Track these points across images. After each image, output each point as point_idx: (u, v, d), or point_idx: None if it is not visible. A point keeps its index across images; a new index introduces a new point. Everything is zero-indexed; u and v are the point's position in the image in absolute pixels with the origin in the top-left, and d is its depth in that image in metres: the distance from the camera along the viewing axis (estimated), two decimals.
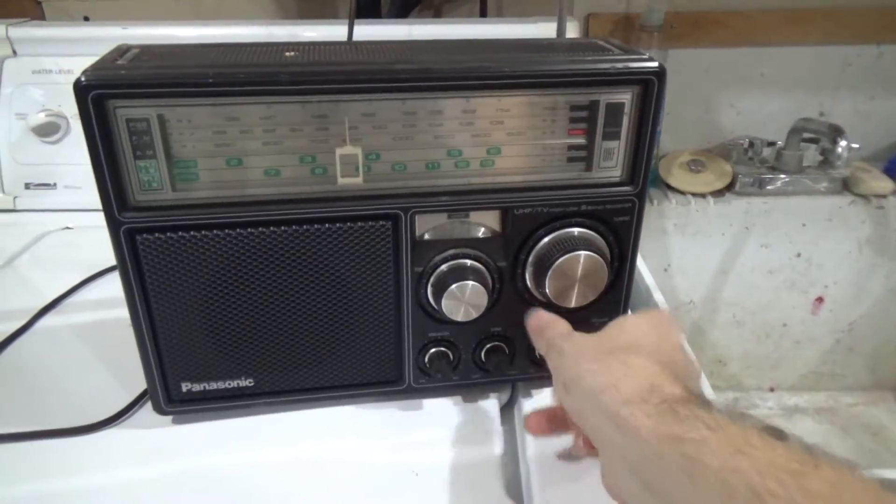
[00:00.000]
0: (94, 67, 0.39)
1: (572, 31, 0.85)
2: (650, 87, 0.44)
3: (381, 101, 0.42)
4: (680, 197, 1.07)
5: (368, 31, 0.80)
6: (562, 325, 0.44)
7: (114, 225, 0.42)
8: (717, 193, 1.07)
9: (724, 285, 1.15)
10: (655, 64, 0.44)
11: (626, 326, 0.40)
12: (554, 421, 0.46)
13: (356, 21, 0.73)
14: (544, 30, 0.84)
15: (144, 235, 0.43)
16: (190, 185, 0.43)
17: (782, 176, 1.06)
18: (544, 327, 0.44)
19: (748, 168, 1.08)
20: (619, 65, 0.43)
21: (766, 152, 1.09)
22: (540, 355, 0.52)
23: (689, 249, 1.10)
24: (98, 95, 0.38)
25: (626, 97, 0.45)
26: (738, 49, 1.07)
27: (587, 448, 0.43)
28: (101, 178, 0.40)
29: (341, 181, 0.44)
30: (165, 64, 0.41)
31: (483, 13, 0.99)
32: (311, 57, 0.43)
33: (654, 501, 0.31)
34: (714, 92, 1.11)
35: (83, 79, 0.38)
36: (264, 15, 1.04)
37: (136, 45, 0.45)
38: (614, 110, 0.45)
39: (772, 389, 1.24)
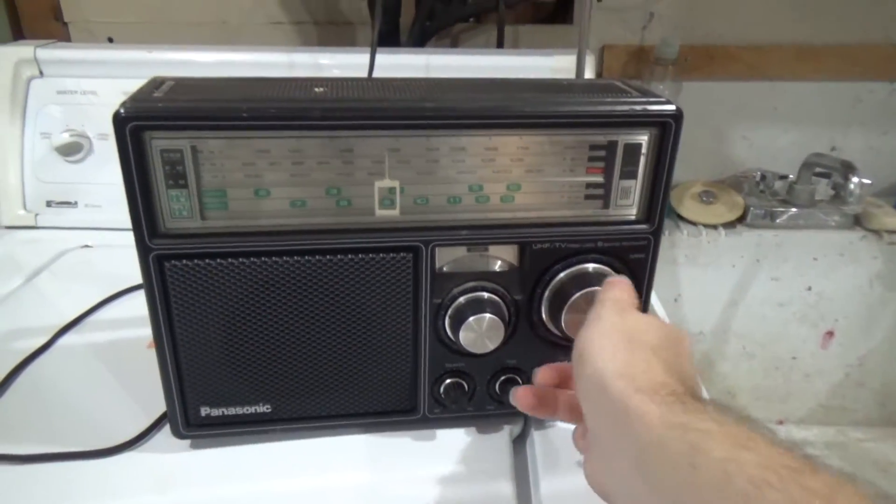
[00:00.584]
0: (133, 99, 0.40)
1: (587, 65, 0.86)
2: (668, 129, 0.45)
3: (406, 138, 0.44)
4: (691, 228, 1.08)
5: (388, 59, 0.82)
6: (625, 290, 0.43)
7: (144, 251, 0.43)
8: (729, 225, 1.08)
9: (734, 317, 1.15)
10: (673, 107, 0.45)
11: (653, 328, 0.40)
12: (542, 400, 0.46)
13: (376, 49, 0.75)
14: (561, 62, 0.86)
15: (173, 262, 0.44)
16: (218, 213, 0.44)
17: (793, 209, 1.07)
18: (611, 286, 0.43)
19: (760, 200, 1.09)
20: (638, 107, 0.44)
21: (778, 185, 1.10)
22: None
23: (699, 280, 1.11)
24: (136, 127, 0.39)
25: (643, 138, 0.46)
26: (752, 83, 1.09)
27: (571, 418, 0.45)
28: (134, 206, 0.41)
29: (379, 213, 0.45)
30: (200, 97, 0.42)
31: (500, 44, 1.01)
32: (339, 93, 0.45)
33: (647, 491, 0.32)
34: (727, 124, 1.12)
35: (122, 111, 0.39)
36: (285, 42, 1.06)
37: (171, 77, 0.46)
38: (632, 151, 0.46)
39: (781, 422, 1.24)
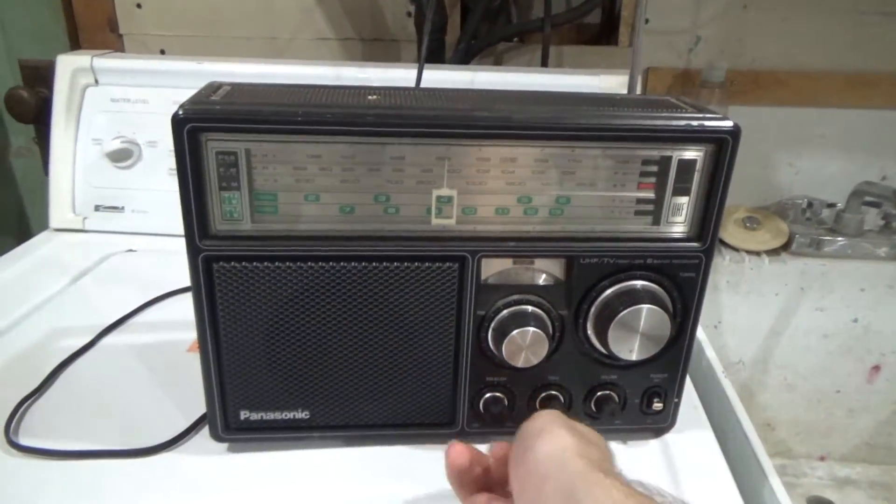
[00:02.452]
0: (191, 102, 0.41)
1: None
2: (724, 146, 0.44)
3: (458, 147, 0.43)
4: (734, 254, 1.06)
5: (434, 75, 0.82)
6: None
7: (193, 252, 0.43)
8: (773, 252, 1.06)
9: (776, 347, 1.12)
10: (731, 123, 0.44)
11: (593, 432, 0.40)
12: (470, 470, 0.42)
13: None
14: (606, 82, 0.85)
15: (221, 263, 0.44)
16: (268, 217, 0.44)
17: (840, 239, 1.04)
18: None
19: (805, 228, 1.06)
20: (695, 123, 0.44)
21: (825, 213, 1.07)
22: (594, 407, 0.52)
23: (740, 308, 1.09)
24: (193, 128, 0.40)
25: (698, 154, 0.45)
26: (799, 109, 1.07)
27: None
28: (187, 207, 0.42)
29: (435, 221, 0.45)
30: (256, 101, 0.42)
31: (544, 64, 1.01)
32: (392, 101, 0.45)
33: None
34: (773, 150, 1.10)
35: (181, 112, 0.40)
36: (331, 57, 1.08)
37: (227, 82, 0.47)
38: (686, 167, 0.45)
39: (822, 458, 1.20)
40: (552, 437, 0.36)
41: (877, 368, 1.12)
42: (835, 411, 1.16)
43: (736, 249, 1.06)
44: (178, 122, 0.40)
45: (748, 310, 1.08)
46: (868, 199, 1.02)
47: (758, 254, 1.06)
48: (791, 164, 1.12)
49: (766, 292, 1.07)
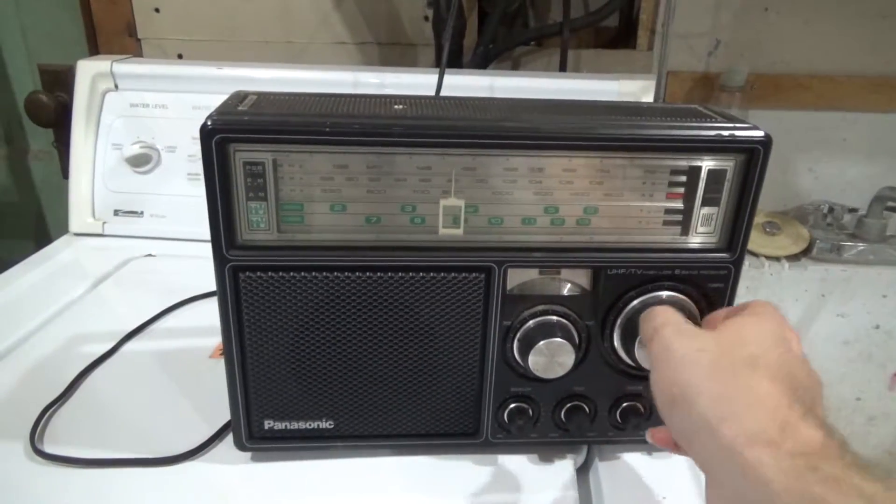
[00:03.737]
0: (219, 112, 0.41)
1: (653, 90, 0.85)
2: (755, 156, 0.44)
3: (485, 157, 0.43)
4: (753, 259, 1.05)
5: (453, 80, 0.82)
6: (671, 313, 0.38)
7: (220, 262, 0.43)
8: (793, 258, 1.05)
9: None
10: (762, 133, 0.43)
11: (747, 332, 0.34)
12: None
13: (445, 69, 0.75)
14: (626, 87, 0.85)
15: (248, 273, 0.44)
16: (295, 227, 0.44)
17: (862, 244, 1.03)
18: (655, 313, 0.39)
19: (826, 233, 1.05)
20: (726, 133, 0.43)
21: (847, 219, 1.06)
22: (619, 418, 0.52)
23: None
24: (222, 139, 0.40)
25: (729, 164, 0.44)
26: (821, 113, 1.06)
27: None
28: (215, 217, 0.42)
29: (442, 232, 0.44)
30: (284, 111, 0.42)
31: (562, 68, 1.01)
32: (418, 110, 0.44)
33: None
34: (793, 154, 1.09)
35: (209, 123, 0.40)
36: (349, 61, 1.08)
37: (253, 91, 0.47)
38: (716, 177, 0.45)
39: None
40: (686, 405, 0.31)
41: None
42: (855, 419, 1.15)
43: (755, 255, 1.05)
44: (206, 133, 0.40)
45: None
46: (890, 204, 1.01)
47: (778, 259, 1.05)
48: (811, 168, 1.10)
49: (786, 298, 1.06)
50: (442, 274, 0.45)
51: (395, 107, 0.45)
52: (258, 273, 0.44)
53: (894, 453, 1.16)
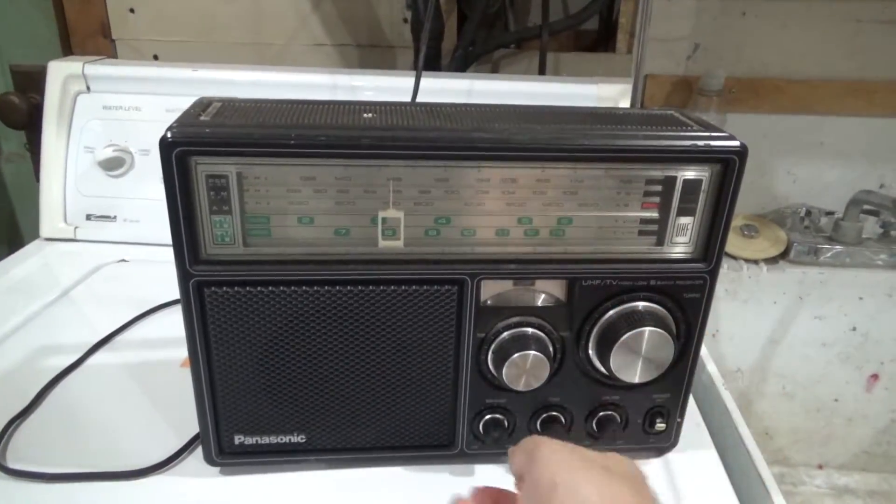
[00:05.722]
0: (180, 124, 0.40)
1: (630, 93, 0.84)
2: (731, 166, 0.43)
3: (456, 168, 0.42)
4: (731, 262, 1.05)
5: (431, 84, 0.81)
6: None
7: (184, 277, 0.42)
8: (771, 261, 1.05)
9: (774, 355, 1.11)
10: (737, 143, 0.43)
11: (620, 458, 0.34)
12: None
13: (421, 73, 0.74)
14: (605, 91, 0.84)
15: (213, 288, 0.43)
16: (261, 240, 0.43)
17: (839, 247, 1.04)
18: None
19: (804, 236, 1.06)
20: (701, 143, 0.43)
21: (824, 222, 1.07)
22: (596, 427, 0.51)
23: (739, 316, 1.08)
24: (182, 152, 0.39)
25: (704, 174, 0.44)
26: (798, 116, 1.06)
27: None
28: (177, 231, 0.41)
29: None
30: (248, 122, 0.41)
31: (542, 71, 1.00)
32: (388, 119, 0.44)
33: None
34: (771, 158, 1.10)
35: (169, 135, 0.38)
36: (327, 63, 1.07)
37: (217, 98, 0.45)
38: (691, 187, 0.44)
39: (820, 467, 1.19)
40: (569, 492, 0.31)
41: (875, 377, 1.11)
42: (833, 420, 1.16)
43: (734, 258, 1.05)
44: (166, 146, 0.38)
45: (746, 318, 1.08)
46: (866, 207, 1.01)
47: (756, 262, 1.05)
48: (789, 171, 1.11)
49: (765, 301, 1.07)
50: (414, 287, 0.45)
51: (365, 115, 0.44)
52: (224, 288, 0.43)
53: (872, 453, 1.17)
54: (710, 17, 1.01)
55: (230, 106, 0.45)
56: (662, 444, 0.54)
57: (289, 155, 0.40)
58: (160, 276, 0.78)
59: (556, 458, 0.33)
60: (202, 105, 0.44)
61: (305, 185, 0.42)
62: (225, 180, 0.40)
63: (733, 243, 1.06)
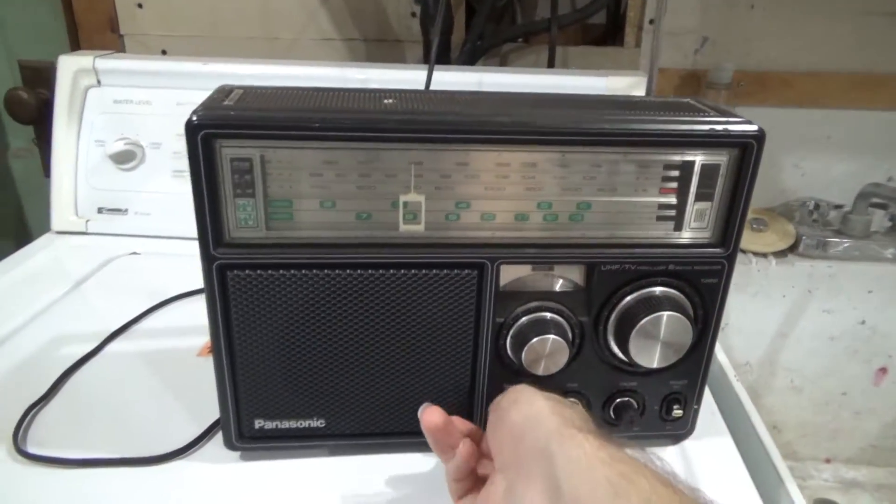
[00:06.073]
0: (204, 107, 0.40)
1: (641, 86, 0.85)
2: (749, 151, 0.43)
3: (477, 151, 0.43)
4: (740, 255, 1.05)
5: (441, 76, 0.81)
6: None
7: (207, 260, 0.42)
8: (779, 254, 1.05)
9: (783, 349, 1.12)
10: (755, 127, 0.43)
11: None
12: (447, 428, 0.43)
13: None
14: (615, 83, 0.84)
15: (236, 272, 0.43)
16: (283, 224, 0.43)
17: (847, 241, 1.04)
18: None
19: (812, 230, 1.06)
20: (719, 127, 0.43)
21: (832, 215, 1.07)
22: (613, 414, 0.51)
23: (747, 309, 1.08)
24: (207, 135, 0.39)
25: (722, 159, 0.44)
26: (806, 110, 1.06)
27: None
28: (201, 215, 0.41)
29: (403, 228, 0.44)
30: (271, 106, 0.41)
31: (551, 64, 1.01)
32: (408, 105, 0.44)
33: None
34: (779, 151, 1.10)
35: (194, 118, 0.39)
36: (336, 57, 1.07)
37: (239, 86, 0.46)
38: (709, 172, 0.45)
39: (828, 461, 1.20)
40: (527, 403, 0.39)
41: (884, 371, 1.11)
42: (841, 413, 1.16)
43: (743, 251, 1.05)
44: (192, 129, 0.39)
45: (755, 312, 1.08)
46: (875, 200, 1.01)
47: (764, 255, 1.05)
48: (797, 165, 1.11)
49: (773, 294, 1.07)
50: (434, 271, 0.45)
51: (385, 101, 0.44)
52: (246, 271, 0.43)
53: (879, 447, 1.17)
54: (719, 10, 1.02)
55: (252, 92, 0.45)
56: (679, 430, 0.54)
57: (312, 138, 0.40)
58: (172, 268, 0.79)
59: (518, 389, 0.41)
60: (224, 91, 0.44)
61: (328, 169, 0.42)
62: (249, 164, 0.41)
63: (742, 236, 1.06)
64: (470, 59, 1.02)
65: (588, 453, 0.34)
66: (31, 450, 0.50)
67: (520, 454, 0.37)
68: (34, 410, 0.55)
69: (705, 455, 0.53)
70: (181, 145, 0.86)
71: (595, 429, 0.37)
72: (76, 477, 0.49)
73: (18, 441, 0.51)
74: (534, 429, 0.37)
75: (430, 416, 0.43)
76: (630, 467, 0.33)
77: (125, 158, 0.86)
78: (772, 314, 1.08)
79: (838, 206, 1.06)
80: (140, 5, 1.07)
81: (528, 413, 0.38)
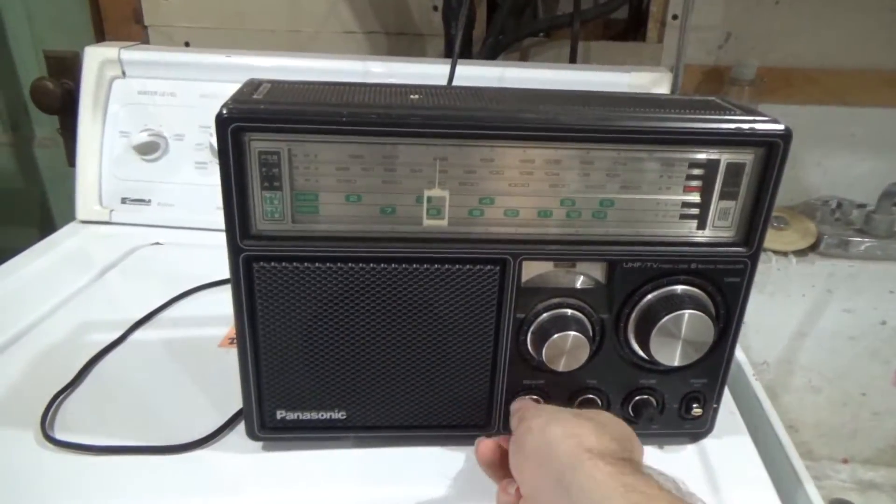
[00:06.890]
0: (234, 101, 0.41)
1: (664, 82, 0.84)
2: (775, 150, 0.43)
3: (502, 148, 0.43)
4: (761, 253, 1.04)
5: (463, 70, 0.81)
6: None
7: (234, 251, 0.43)
8: (800, 253, 1.04)
9: (802, 348, 1.11)
10: (782, 126, 0.43)
11: (605, 414, 0.43)
12: (502, 460, 0.44)
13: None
14: (638, 79, 0.84)
15: (261, 263, 0.44)
16: (309, 217, 0.44)
17: (869, 240, 1.02)
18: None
19: (834, 229, 1.05)
20: (745, 126, 0.43)
21: (855, 214, 1.06)
22: (632, 412, 0.52)
23: (766, 308, 1.07)
24: (237, 128, 0.39)
25: (748, 158, 0.44)
26: (830, 107, 1.05)
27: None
28: (229, 206, 0.41)
29: (426, 223, 0.44)
30: (299, 101, 0.42)
31: (572, 59, 1.00)
32: (434, 101, 0.44)
33: None
34: (801, 149, 1.08)
35: (225, 112, 0.39)
36: (357, 51, 1.07)
37: (267, 80, 0.46)
38: (734, 170, 0.44)
39: (845, 461, 1.19)
40: (539, 431, 0.39)
41: None
42: (860, 414, 1.15)
43: (763, 249, 1.05)
44: (222, 122, 0.39)
45: (774, 310, 1.07)
46: None
47: (785, 254, 1.04)
48: (820, 163, 1.10)
49: (793, 293, 1.06)
50: (457, 266, 0.45)
51: (411, 97, 0.44)
52: (272, 263, 0.44)
53: None
54: (742, 5, 1.01)
55: (280, 87, 0.45)
56: (698, 429, 0.54)
57: (340, 132, 0.41)
58: (194, 259, 0.80)
59: (535, 413, 0.42)
60: (253, 85, 0.45)
61: (354, 163, 0.42)
62: (276, 157, 0.41)
63: None
64: (491, 53, 1.01)
65: (600, 482, 0.34)
66: (59, 436, 0.51)
67: (539, 486, 0.38)
68: (61, 397, 0.56)
69: (724, 454, 0.53)
70: (204, 137, 0.87)
71: (610, 445, 0.37)
72: (101, 463, 0.50)
73: (46, 427, 0.52)
74: (549, 459, 0.37)
75: (485, 451, 0.45)
76: (643, 497, 0.33)
77: (149, 149, 0.87)
78: (791, 313, 1.08)
79: (861, 206, 1.05)
80: None
81: (541, 442, 0.39)
